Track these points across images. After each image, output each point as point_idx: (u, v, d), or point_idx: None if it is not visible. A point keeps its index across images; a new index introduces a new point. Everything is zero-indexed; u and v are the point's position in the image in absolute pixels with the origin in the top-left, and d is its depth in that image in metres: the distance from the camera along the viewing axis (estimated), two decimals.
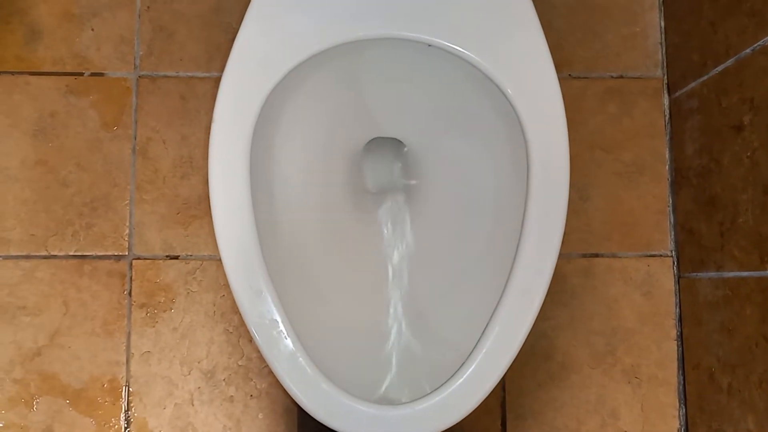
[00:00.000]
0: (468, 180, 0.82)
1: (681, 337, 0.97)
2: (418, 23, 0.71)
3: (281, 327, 0.65)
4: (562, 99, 0.69)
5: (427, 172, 0.86)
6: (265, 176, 0.74)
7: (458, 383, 0.64)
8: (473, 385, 0.64)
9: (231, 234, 0.66)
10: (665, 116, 1.00)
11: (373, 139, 0.87)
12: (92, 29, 1.00)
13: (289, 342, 0.65)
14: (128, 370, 0.95)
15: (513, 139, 0.72)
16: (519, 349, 0.66)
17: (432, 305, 0.81)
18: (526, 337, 0.66)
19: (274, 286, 0.65)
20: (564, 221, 0.68)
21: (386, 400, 0.69)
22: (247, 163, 0.66)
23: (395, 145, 0.88)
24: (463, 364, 0.65)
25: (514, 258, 0.67)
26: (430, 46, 0.72)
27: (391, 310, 0.81)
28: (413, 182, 0.88)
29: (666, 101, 1.01)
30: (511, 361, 0.65)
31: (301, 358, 0.64)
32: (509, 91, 0.69)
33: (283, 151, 0.76)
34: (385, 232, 0.86)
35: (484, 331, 0.65)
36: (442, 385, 0.64)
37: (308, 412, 0.63)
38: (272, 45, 0.70)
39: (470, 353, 0.65)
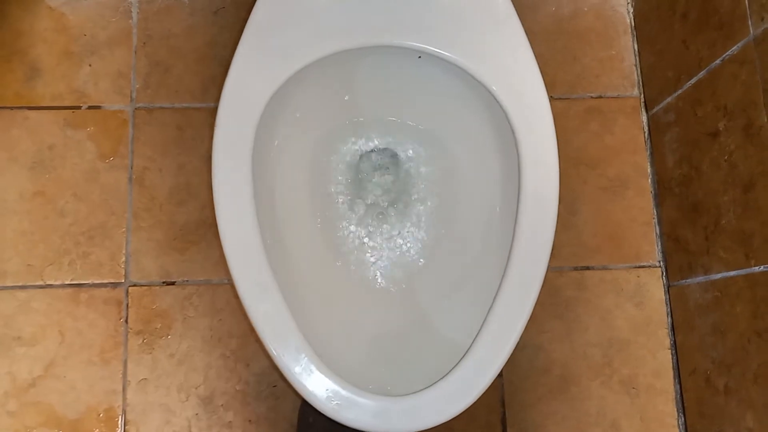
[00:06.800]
0: (462, 184, 0.84)
1: (675, 345, 0.98)
2: (409, 32, 0.75)
3: (286, 322, 0.66)
4: (548, 99, 0.73)
5: (424, 177, 0.88)
6: (266, 176, 0.75)
7: (460, 372, 0.65)
8: (476, 373, 0.65)
9: (235, 231, 0.68)
10: (644, 132, 1.05)
11: (367, 152, 0.89)
12: (90, 65, 1.03)
13: (294, 337, 0.65)
14: (125, 399, 0.94)
15: (504, 143, 0.75)
16: (518, 339, 0.67)
17: (433, 302, 0.82)
18: (524, 326, 0.67)
19: (277, 282, 0.66)
20: (556, 211, 0.70)
21: (390, 395, 0.69)
22: (250, 163, 0.68)
23: (390, 154, 0.91)
24: (465, 355, 0.66)
25: (510, 253, 0.69)
26: (420, 57, 0.76)
27: (393, 307, 0.82)
28: (410, 187, 0.90)
29: (644, 118, 1.05)
30: (512, 351, 0.66)
31: (305, 353, 0.65)
32: (494, 88, 0.72)
33: (283, 155, 0.79)
34: (385, 233, 0.87)
35: (483, 322, 0.67)
36: (445, 375, 0.65)
37: (313, 405, 0.64)
38: (270, 56, 0.73)
39: (471, 343, 0.66)
